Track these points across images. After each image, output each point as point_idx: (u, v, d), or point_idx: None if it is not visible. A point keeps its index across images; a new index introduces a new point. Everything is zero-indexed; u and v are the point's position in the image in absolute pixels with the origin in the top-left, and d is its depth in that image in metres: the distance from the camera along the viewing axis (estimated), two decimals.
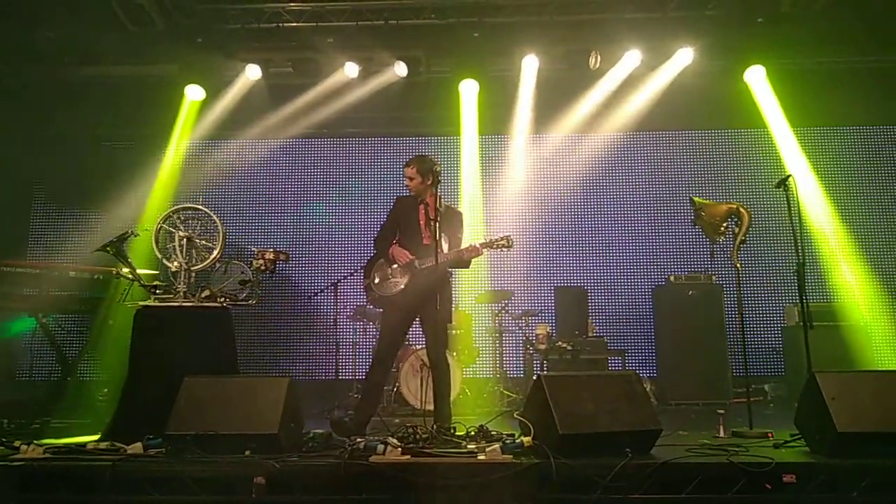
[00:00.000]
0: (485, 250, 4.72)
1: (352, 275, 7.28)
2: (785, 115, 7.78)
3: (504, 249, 4.74)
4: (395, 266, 4.78)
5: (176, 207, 4.86)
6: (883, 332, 7.40)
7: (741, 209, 5.04)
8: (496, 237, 4.72)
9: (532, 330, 7.07)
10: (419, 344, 6.79)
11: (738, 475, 3.30)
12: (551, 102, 8.36)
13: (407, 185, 4.83)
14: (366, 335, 7.26)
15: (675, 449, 3.72)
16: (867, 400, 3.59)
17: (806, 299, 4.50)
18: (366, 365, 7.32)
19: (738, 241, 4.98)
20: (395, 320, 4.81)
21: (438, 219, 4.60)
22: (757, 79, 7.65)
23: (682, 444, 3.88)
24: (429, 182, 4.77)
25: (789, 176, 4.70)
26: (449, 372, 4.83)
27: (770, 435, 4.24)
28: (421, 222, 4.78)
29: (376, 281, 4.86)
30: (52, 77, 8.07)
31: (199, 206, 4.84)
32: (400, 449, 3.56)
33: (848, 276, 7.57)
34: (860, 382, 3.74)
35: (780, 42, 7.36)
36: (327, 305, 7.40)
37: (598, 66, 7.57)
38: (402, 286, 4.73)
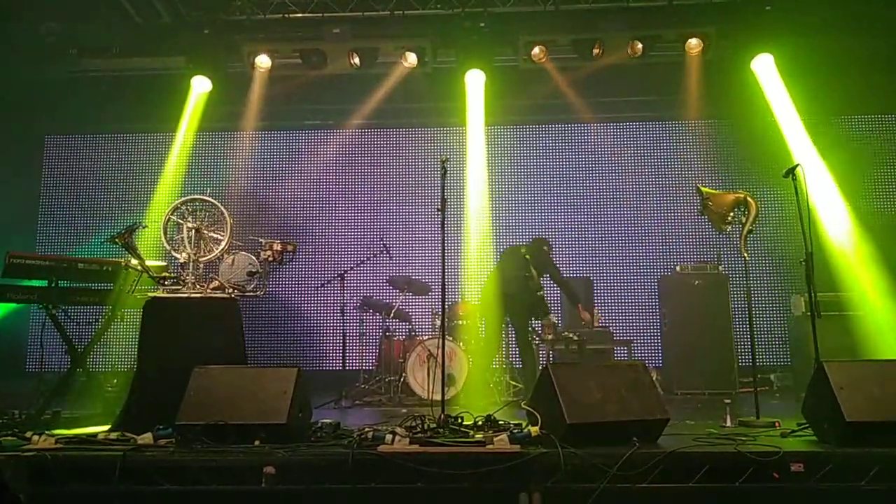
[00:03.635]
0: None
1: (358, 266, 7.32)
2: (793, 104, 7.71)
3: None
4: None
5: (184, 199, 4.88)
6: (891, 322, 7.35)
7: (748, 199, 4.99)
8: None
9: (538, 321, 7.06)
10: (426, 335, 6.83)
11: (746, 464, 3.30)
12: (556, 92, 8.35)
13: None
14: (372, 326, 7.29)
15: (683, 438, 3.73)
16: (875, 389, 3.59)
17: (814, 289, 4.49)
18: (372, 355, 7.43)
19: (745, 231, 4.94)
20: None
21: None
22: (764, 67, 7.58)
23: (689, 434, 3.89)
24: None
25: (797, 165, 4.67)
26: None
27: (777, 424, 4.24)
28: None
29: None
30: (57, 69, 8.08)
31: (207, 198, 4.85)
32: (408, 439, 3.58)
33: (856, 266, 7.53)
34: (868, 372, 3.73)
35: (787, 30, 7.29)
36: (334, 296, 7.42)
37: (602, 55, 7.53)
38: None
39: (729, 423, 4.38)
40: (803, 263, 4.55)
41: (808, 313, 4.54)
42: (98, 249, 5.39)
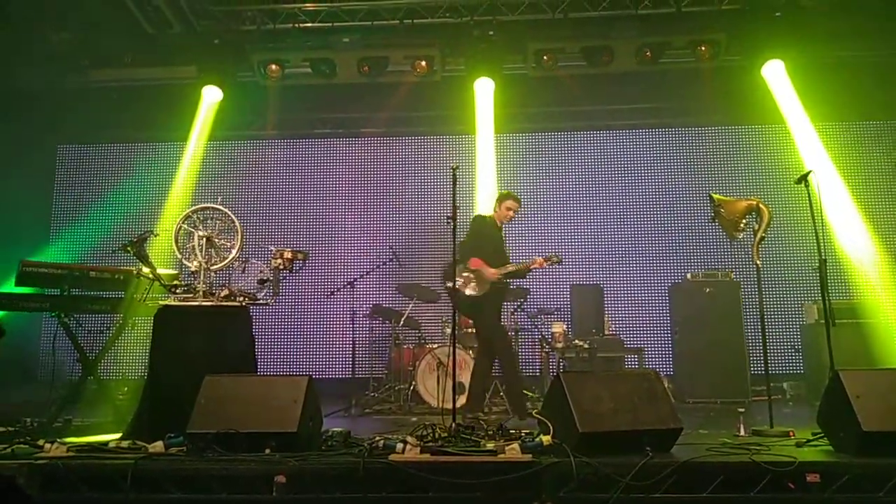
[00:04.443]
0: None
1: (368, 273, 7.32)
2: (805, 110, 7.67)
3: (556, 265, 5.68)
4: (474, 275, 5.55)
5: (195, 207, 4.88)
6: None
7: (761, 205, 4.94)
8: (552, 254, 5.68)
9: (548, 328, 7.05)
10: (436, 343, 6.81)
11: (761, 474, 3.26)
12: (565, 100, 8.35)
13: (510, 216, 5.80)
14: (382, 333, 7.28)
15: (696, 448, 3.69)
16: (893, 398, 3.54)
17: (828, 296, 4.44)
18: (381, 363, 7.42)
19: (757, 238, 4.90)
20: (496, 317, 5.66)
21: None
22: (775, 74, 7.56)
23: (702, 443, 3.85)
24: None
25: (810, 172, 4.64)
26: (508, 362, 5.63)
27: (791, 434, 4.20)
28: (503, 244, 5.76)
29: (460, 283, 5.50)
30: (69, 79, 8.16)
31: (218, 206, 4.86)
32: (419, 447, 3.56)
33: (870, 273, 7.46)
34: (885, 380, 3.68)
35: (798, 36, 7.26)
36: (344, 304, 7.43)
37: (611, 62, 7.53)
38: (482, 291, 5.54)
39: (742, 433, 4.34)
40: (816, 270, 4.52)
41: (822, 321, 4.51)
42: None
